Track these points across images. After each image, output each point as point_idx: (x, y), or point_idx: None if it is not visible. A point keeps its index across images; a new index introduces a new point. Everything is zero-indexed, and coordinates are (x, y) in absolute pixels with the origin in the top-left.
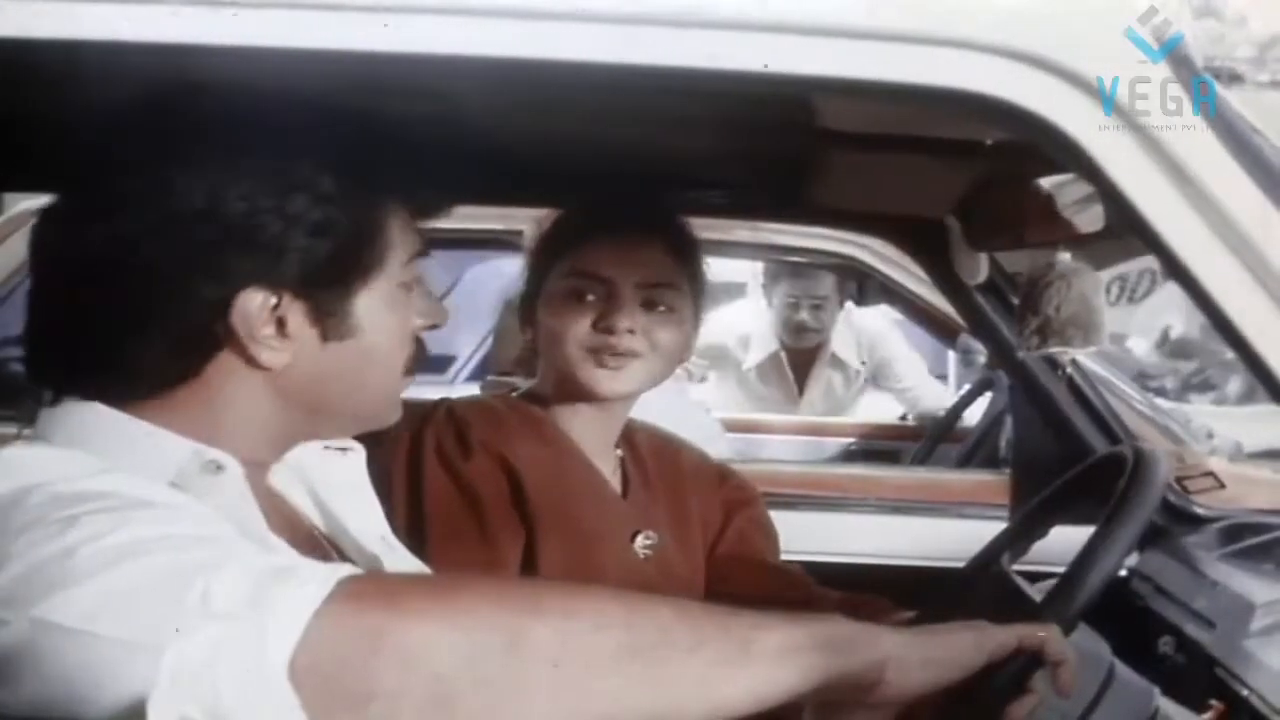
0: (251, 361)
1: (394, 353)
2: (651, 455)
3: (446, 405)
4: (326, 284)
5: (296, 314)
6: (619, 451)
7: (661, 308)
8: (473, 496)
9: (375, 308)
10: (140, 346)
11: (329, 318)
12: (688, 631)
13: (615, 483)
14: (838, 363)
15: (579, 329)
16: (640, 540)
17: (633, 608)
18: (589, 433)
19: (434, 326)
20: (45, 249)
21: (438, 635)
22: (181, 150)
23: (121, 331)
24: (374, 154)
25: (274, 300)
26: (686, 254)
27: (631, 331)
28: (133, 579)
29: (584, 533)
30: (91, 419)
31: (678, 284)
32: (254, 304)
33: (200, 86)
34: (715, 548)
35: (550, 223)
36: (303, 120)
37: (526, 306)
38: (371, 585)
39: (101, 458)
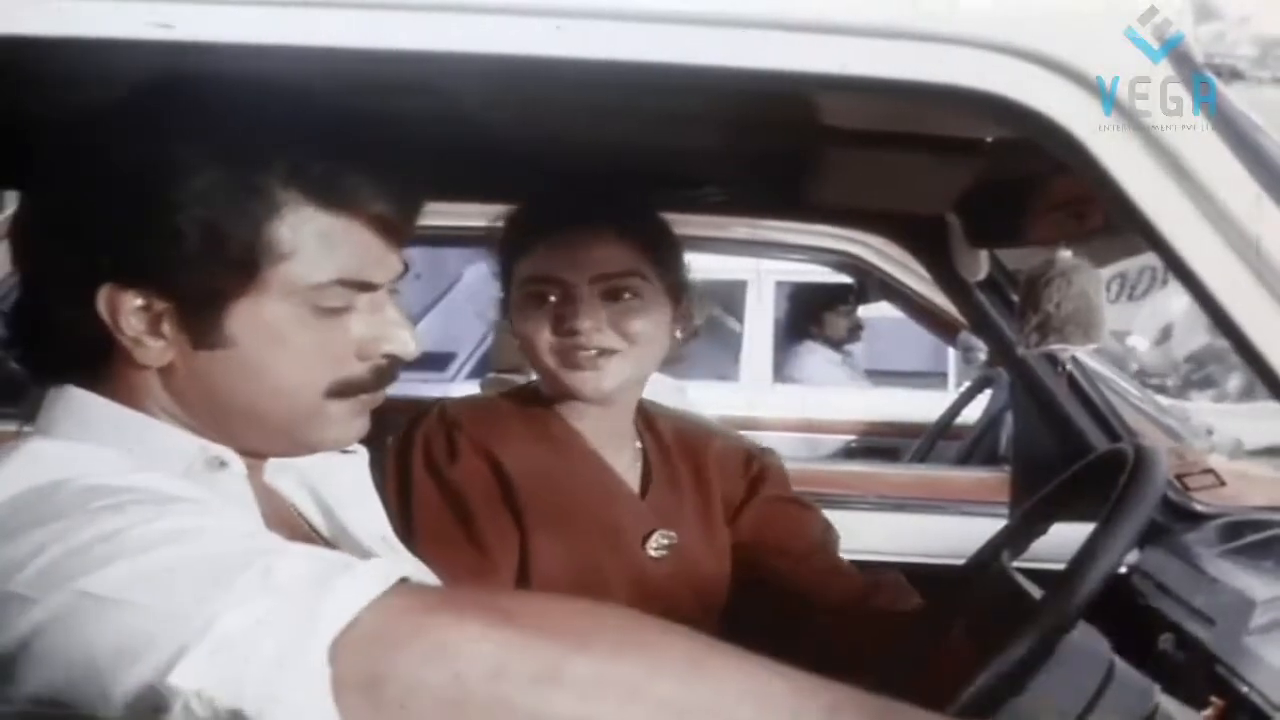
0: (131, 358)
1: (294, 376)
2: (677, 445)
3: (439, 407)
4: (192, 290)
5: (168, 316)
6: (638, 445)
7: (627, 296)
8: (459, 500)
9: (260, 323)
10: (56, 332)
11: (197, 324)
12: (751, 706)
13: (634, 478)
14: None
15: (544, 334)
16: (655, 540)
17: (697, 664)
18: (597, 427)
19: (396, 359)
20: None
21: (473, 640)
22: (77, 138)
23: (42, 316)
24: (279, 146)
25: (141, 300)
26: (647, 238)
27: (598, 329)
28: (184, 556)
29: (583, 532)
30: (91, 411)
31: (640, 270)
32: (120, 299)
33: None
34: (735, 524)
35: (501, 226)
36: (209, 104)
37: (507, 312)
38: (430, 588)
39: (115, 451)
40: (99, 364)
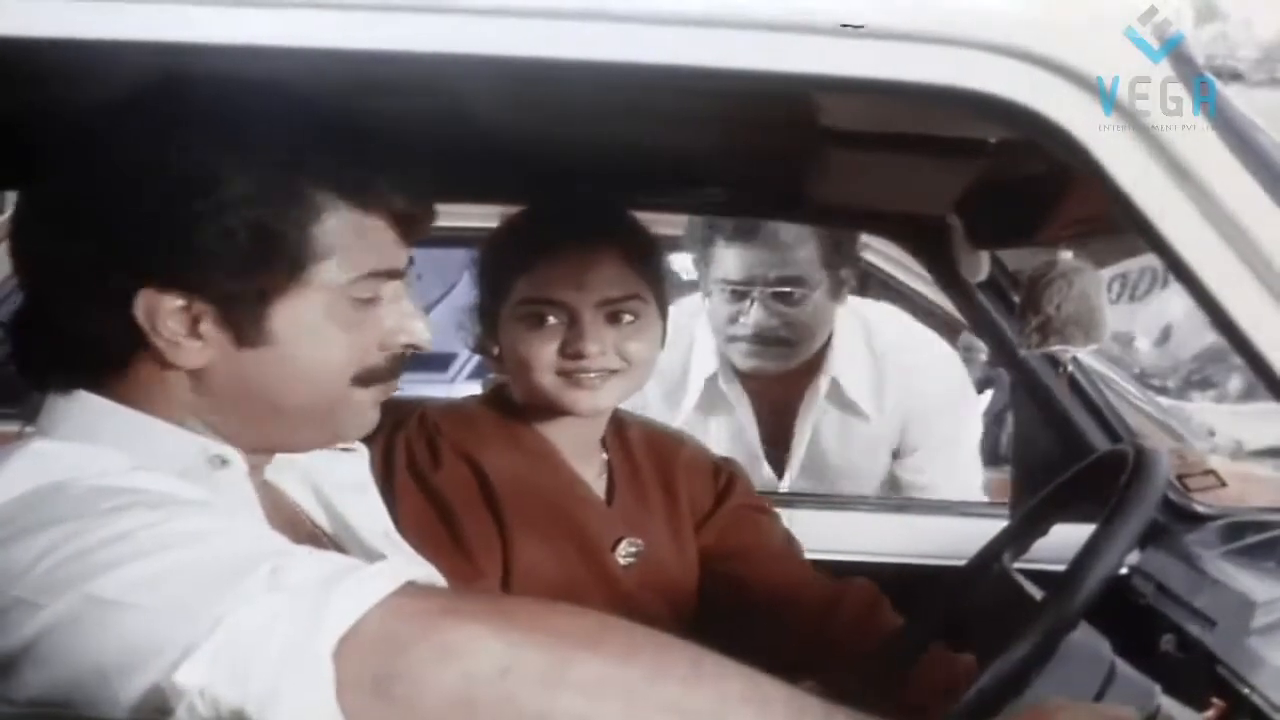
0: (164, 360)
1: (327, 366)
2: (645, 453)
3: (420, 411)
4: (236, 290)
5: (208, 317)
6: (605, 455)
7: (628, 318)
8: (444, 506)
9: (301, 319)
10: (72, 337)
11: (241, 324)
12: (752, 711)
13: (600, 487)
14: (845, 403)
15: (546, 356)
16: (622, 548)
17: (700, 669)
18: (569, 437)
19: (414, 347)
20: (10, 243)
21: (482, 638)
22: (109, 140)
23: (57, 322)
24: (315, 150)
25: (182, 301)
26: (645, 258)
27: (603, 353)
28: (191, 559)
29: (557, 540)
30: (94, 412)
31: (640, 293)
32: (159, 302)
33: (137, 75)
34: (701, 532)
35: (497, 236)
36: (234, 104)
37: (487, 322)
38: (437, 590)
39: (117, 451)
40: (113, 368)
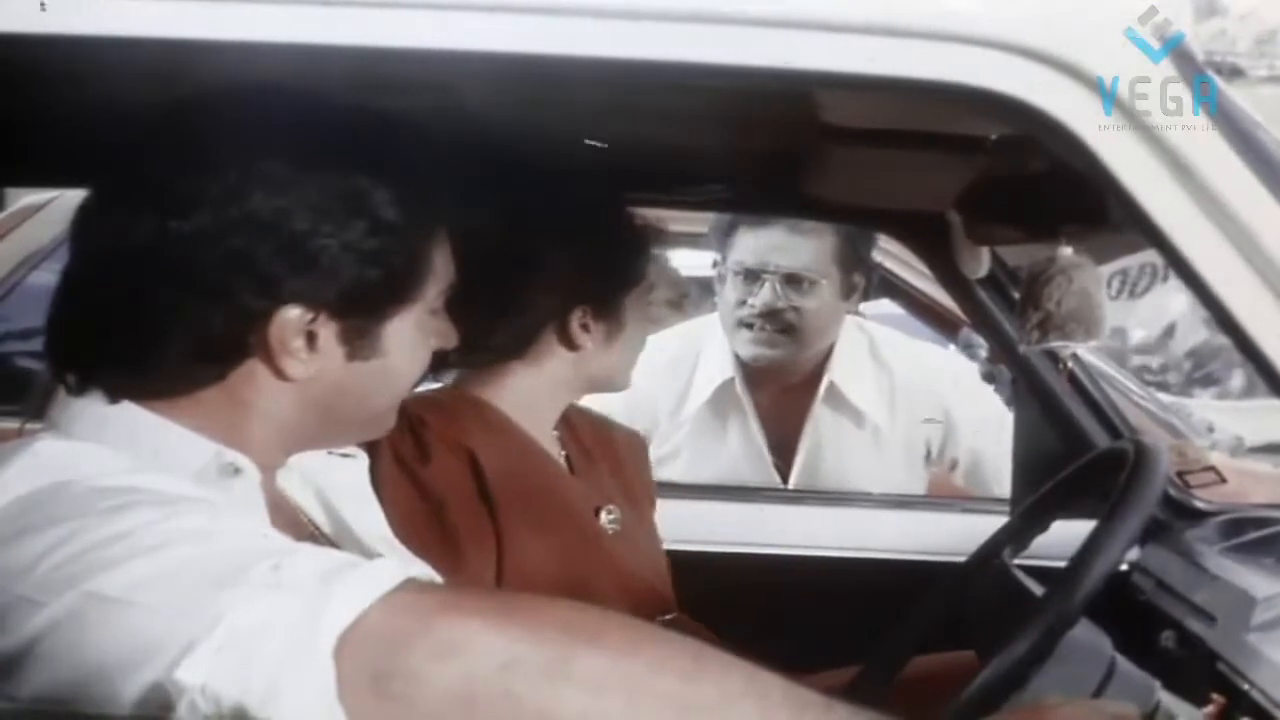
0: (277, 372)
1: (411, 373)
2: (587, 432)
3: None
4: (364, 309)
5: (328, 332)
6: (556, 433)
7: None
8: (434, 502)
9: (404, 332)
10: (170, 345)
11: (359, 339)
12: (754, 705)
13: (561, 463)
14: (846, 408)
15: None
16: (604, 515)
17: (702, 663)
18: (533, 421)
19: (443, 348)
20: (88, 236)
21: (481, 634)
22: (253, 157)
23: (154, 327)
24: (435, 182)
25: (310, 316)
26: None
27: None
28: (193, 556)
29: (550, 514)
30: (112, 413)
31: None
32: (291, 318)
33: (266, 87)
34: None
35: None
36: (375, 135)
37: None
38: (437, 586)
39: (124, 453)
40: (205, 380)
